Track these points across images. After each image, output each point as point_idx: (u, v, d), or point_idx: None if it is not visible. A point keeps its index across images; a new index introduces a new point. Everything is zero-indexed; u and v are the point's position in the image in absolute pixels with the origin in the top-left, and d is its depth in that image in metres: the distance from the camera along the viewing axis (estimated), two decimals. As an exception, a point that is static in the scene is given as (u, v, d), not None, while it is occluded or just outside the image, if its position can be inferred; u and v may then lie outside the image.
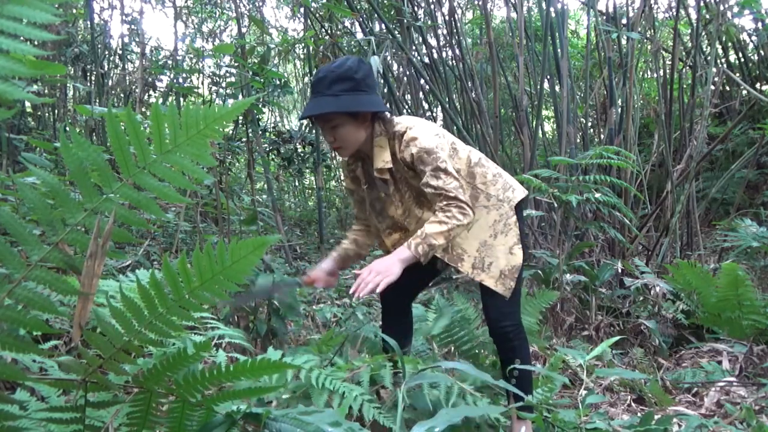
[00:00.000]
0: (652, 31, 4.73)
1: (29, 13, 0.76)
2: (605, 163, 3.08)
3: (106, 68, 5.74)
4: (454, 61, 4.89)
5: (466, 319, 2.39)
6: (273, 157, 5.75)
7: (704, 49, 5.63)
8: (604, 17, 5.03)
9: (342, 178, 2.03)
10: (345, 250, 1.99)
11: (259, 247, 0.95)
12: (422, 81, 4.65)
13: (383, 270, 1.63)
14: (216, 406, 1.03)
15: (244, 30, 5.17)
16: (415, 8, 5.03)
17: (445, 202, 1.67)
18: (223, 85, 3.33)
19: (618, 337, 1.85)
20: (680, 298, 3.06)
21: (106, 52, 5.88)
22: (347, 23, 5.47)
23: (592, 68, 5.44)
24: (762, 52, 6.29)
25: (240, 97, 3.06)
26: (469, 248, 1.82)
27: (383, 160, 1.76)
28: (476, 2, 5.97)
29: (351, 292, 1.64)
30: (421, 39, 4.72)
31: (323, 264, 1.97)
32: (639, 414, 2.05)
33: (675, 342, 2.97)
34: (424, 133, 1.71)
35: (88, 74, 5.47)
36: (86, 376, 0.96)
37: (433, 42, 4.83)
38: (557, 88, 4.28)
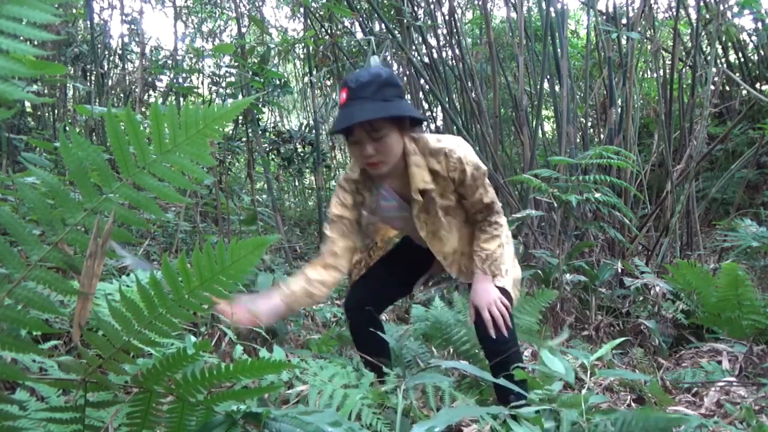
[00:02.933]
0: (652, 31, 4.73)
1: (29, 13, 0.76)
2: (605, 163, 3.08)
3: (106, 68, 5.74)
4: (454, 61, 4.89)
5: (466, 319, 2.39)
6: (273, 157, 5.75)
7: (704, 49, 5.63)
8: (604, 17, 5.03)
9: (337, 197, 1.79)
10: (300, 297, 1.64)
11: (259, 247, 0.95)
12: (422, 81, 4.65)
13: (498, 298, 1.68)
14: (216, 406, 1.03)
15: (244, 30, 5.18)
16: (415, 8, 5.03)
17: (489, 214, 1.73)
18: (223, 85, 3.33)
19: (621, 339, 1.85)
20: (680, 298, 3.06)
21: (106, 52, 5.88)
22: (347, 23, 5.48)
23: (592, 68, 5.44)
24: (762, 52, 6.28)
25: (240, 97, 3.06)
26: None
27: (423, 180, 1.65)
28: (476, 2, 5.97)
29: (490, 333, 1.66)
30: (421, 39, 4.72)
31: (260, 303, 1.59)
32: (639, 414, 2.05)
33: (675, 342, 2.97)
34: (470, 150, 1.69)
35: (88, 74, 5.48)
36: (86, 376, 0.96)
37: (433, 42, 4.83)
38: (557, 88, 4.28)
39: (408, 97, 5.27)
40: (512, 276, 1.82)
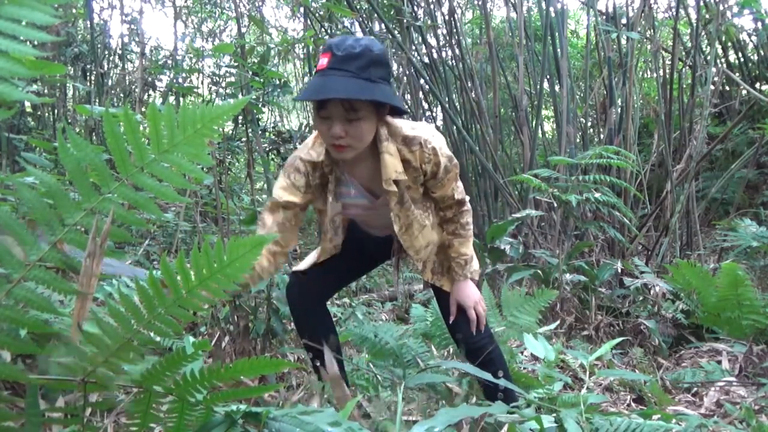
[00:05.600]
0: (652, 31, 4.73)
1: (28, 14, 0.76)
2: (605, 163, 3.08)
3: (105, 68, 5.75)
4: (454, 61, 4.88)
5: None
6: (273, 157, 5.75)
7: (704, 49, 5.63)
8: (604, 17, 5.04)
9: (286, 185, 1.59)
10: (262, 271, 1.58)
11: (258, 246, 0.95)
12: (422, 81, 4.65)
13: (480, 299, 1.73)
14: (216, 406, 1.03)
15: (244, 30, 5.18)
16: (415, 8, 5.03)
17: (459, 213, 1.70)
18: (223, 85, 3.33)
19: (620, 339, 1.84)
20: (680, 298, 3.06)
21: (106, 52, 5.89)
22: (347, 23, 5.47)
23: (592, 68, 5.44)
24: (762, 52, 6.29)
25: (240, 97, 3.06)
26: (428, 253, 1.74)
27: (396, 170, 1.51)
28: (476, 2, 5.97)
29: (472, 331, 1.71)
30: (420, 39, 4.72)
31: None
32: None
33: (675, 342, 2.97)
34: (443, 141, 1.59)
35: (88, 74, 5.48)
36: (86, 376, 0.96)
37: (432, 42, 4.83)
38: (557, 88, 4.28)
39: (408, 97, 5.28)
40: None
